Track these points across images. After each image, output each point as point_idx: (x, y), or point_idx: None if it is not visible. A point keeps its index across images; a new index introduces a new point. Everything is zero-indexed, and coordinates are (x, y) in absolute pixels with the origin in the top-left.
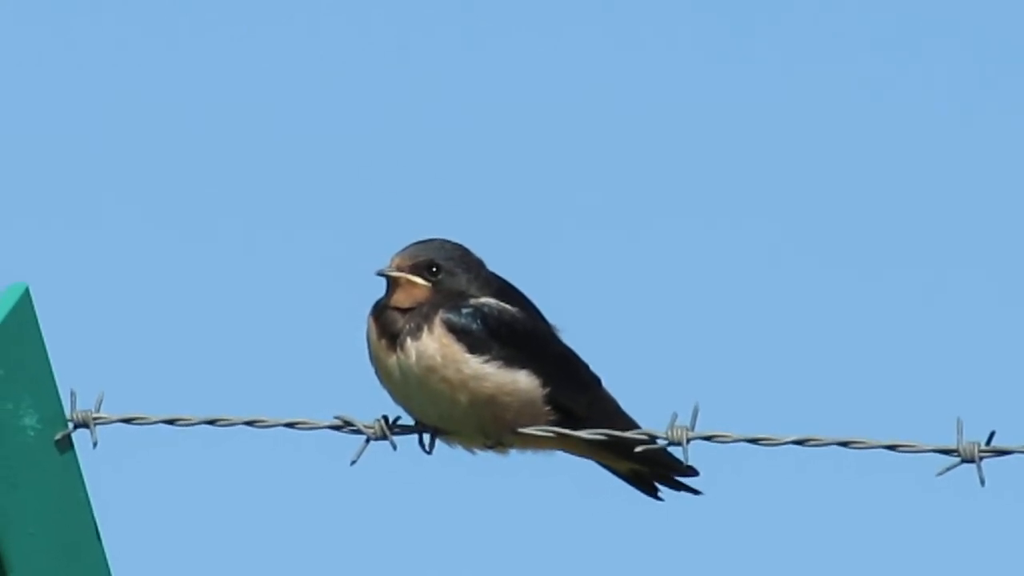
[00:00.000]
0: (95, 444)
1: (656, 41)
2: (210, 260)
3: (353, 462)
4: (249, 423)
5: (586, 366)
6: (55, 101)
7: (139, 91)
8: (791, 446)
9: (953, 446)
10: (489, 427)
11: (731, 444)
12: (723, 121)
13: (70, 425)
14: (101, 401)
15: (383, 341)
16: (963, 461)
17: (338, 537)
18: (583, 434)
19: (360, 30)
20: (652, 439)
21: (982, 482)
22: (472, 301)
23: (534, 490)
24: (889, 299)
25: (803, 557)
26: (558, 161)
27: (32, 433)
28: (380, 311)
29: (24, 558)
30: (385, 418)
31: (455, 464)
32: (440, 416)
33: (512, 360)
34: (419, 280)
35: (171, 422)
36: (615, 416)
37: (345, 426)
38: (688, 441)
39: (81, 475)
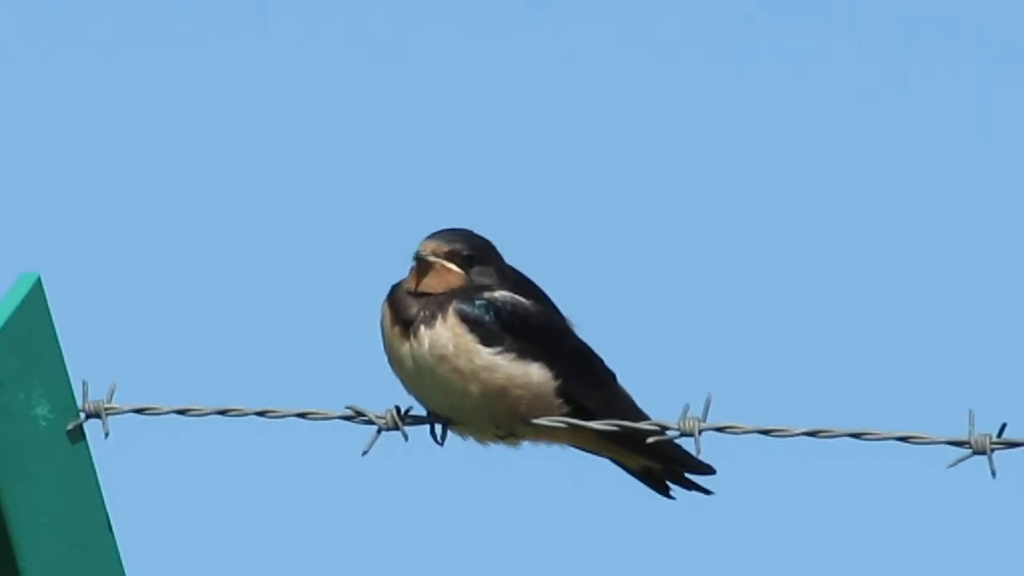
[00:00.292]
0: (107, 434)
1: (680, 32)
2: (222, 251)
3: (365, 452)
4: (260, 413)
5: (601, 361)
6: (68, 93)
7: (155, 82)
8: (803, 437)
9: (965, 438)
10: (500, 418)
11: (743, 436)
12: (740, 115)
13: (82, 415)
14: (113, 391)
15: (397, 328)
16: (975, 453)
17: (349, 527)
18: (595, 425)
19: (363, 29)
20: (664, 430)
21: (993, 474)
22: (487, 293)
23: (545, 485)
24: (901, 291)
25: (814, 549)
26: (572, 156)
27: (44, 423)
28: (395, 298)
29: (35, 548)
30: (397, 409)
31: (467, 455)
32: (451, 406)
33: (525, 352)
34: (454, 267)
35: (182, 412)
36: (629, 413)
37: (357, 416)
38: (700, 432)
39: (93, 465)
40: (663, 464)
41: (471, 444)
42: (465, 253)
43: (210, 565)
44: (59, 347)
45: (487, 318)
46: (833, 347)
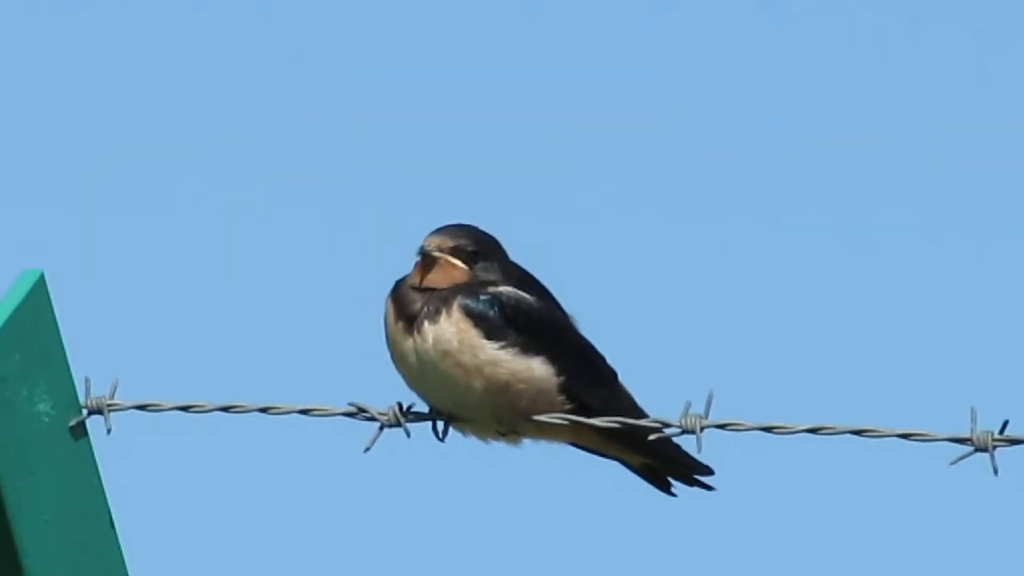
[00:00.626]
0: (109, 430)
1: (691, 32)
2: (225, 247)
3: (367, 449)
4: (263, 410)
5: (603, 359)
6: (72, 89)
7: (160, 78)
8: (804, 435)
9: (967, 435)
10: (503, 414)
11: (744, 433)
12: (745, 112)
13: (84, 411)
14: (116, 387)
15: (400, 324)
16: (976, 450)
17: (351, 524)
18: (597, 421)
19: (366, 26)
20: (665, 427)
21: (995, 471)
22: (491, 289)
23: (546, 482)
24: (903, 288)
25: (816, 545)
26: (574, 153)
27: (46, 419)
28: (399, 293)
29: (37, 544)
30: (399, 405)
31: (468, 452)
32: (454, 402)
33: (528, 348)
34: (459, 263)
35: (185, 409)
36: (630, 411)
37: (359, 413)
38: (702, 429)
39: (95, 461)
40: (662, 462)
41: (472, 441)
42: (470, 249)
43: (212, 562)
44: (62, 343)
45: (491, 313)
46: (835, 344)
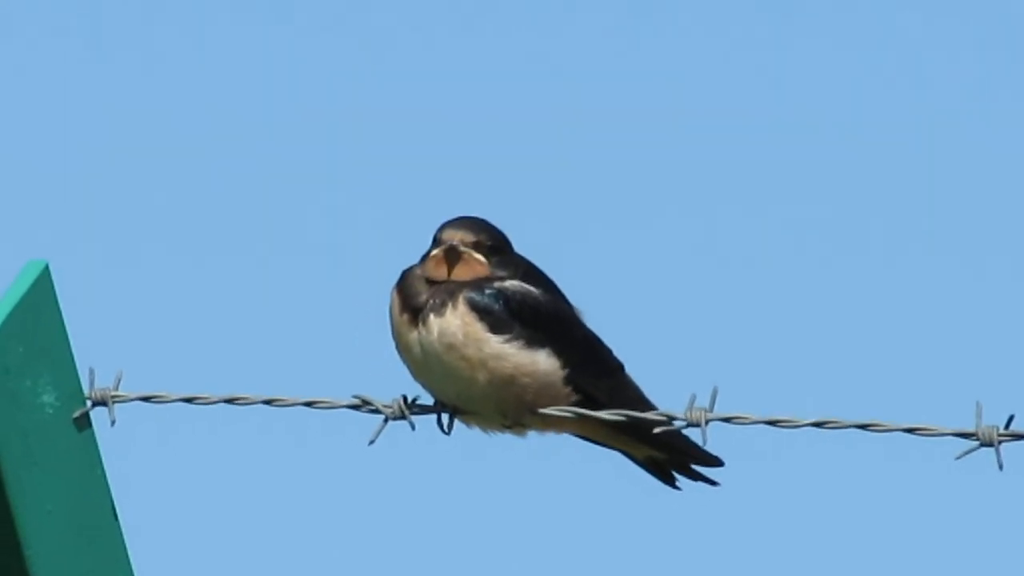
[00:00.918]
0: (113, 422)
1: (692, 32)
2: (229, 239)
3: (371, 442)
4: (267, 402)
5: (609, 351)
6: (78, 82)
7: (167, 72)
8: (810, 428)
9: (972, 430)
10: (508, 407)
11: (750, 426)
12: (750, 109)
13: (88, 403)
14: (120, 379)
15: (405, 316)
16: (982, 445)
17: (356, 516)
18: (602, 414)
19: (372, 22)
20: (671, 420)
21: (1000, 466)
22: (496, 282)
23: (551, 474)
24: (908, 283)
25: (820, 540)
26: (580, 147)
27: (50, 411)
28: (404, 284)
29: (41, 535)
30: (404, 398)
31: (473, 445)
32: (458, 394)
33: (533, 341)
34: (480, 257)
35: (189, 400)
36: (637, 403)
37: (363, 405)
38: (707, 422)
39: (99, 453)
40: (670, 455)
41: (477, 433)
42: (489, 243)
43: (216, 554)
44: (66, 334)
45: (497, 306)
46: (840, 338)
